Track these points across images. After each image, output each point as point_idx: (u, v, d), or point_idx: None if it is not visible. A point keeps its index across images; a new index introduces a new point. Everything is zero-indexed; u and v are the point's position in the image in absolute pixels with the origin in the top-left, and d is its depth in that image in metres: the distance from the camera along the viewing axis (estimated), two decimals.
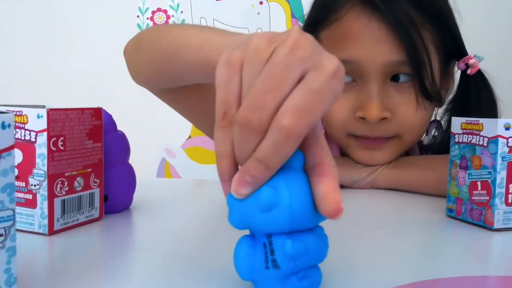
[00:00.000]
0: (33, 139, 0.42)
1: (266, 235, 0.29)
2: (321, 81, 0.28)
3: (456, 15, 0.75)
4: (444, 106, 0.78)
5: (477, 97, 0.74)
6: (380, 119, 0.69)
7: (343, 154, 0.81)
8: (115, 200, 0.51)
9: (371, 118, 0.69)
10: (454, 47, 0.74)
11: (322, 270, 0.38)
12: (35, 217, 0.42)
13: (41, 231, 0.42)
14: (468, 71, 0.74)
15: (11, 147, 0.28)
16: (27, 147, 0.42)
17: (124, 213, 0.52)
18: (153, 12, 1.48)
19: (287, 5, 1.48)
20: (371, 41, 0.68)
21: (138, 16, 1.48)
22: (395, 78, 0.70)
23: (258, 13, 1.48)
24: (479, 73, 0.75)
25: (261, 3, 1.48)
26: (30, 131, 0.42)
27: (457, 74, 0.78)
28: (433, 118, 0.80)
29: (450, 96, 0.78)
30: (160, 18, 1.49)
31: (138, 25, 1.49)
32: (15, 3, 1.49)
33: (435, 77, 0.70)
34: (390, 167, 0.72)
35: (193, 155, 1.51)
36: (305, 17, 0.78)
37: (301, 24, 1.46)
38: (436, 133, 0.80)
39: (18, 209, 0.42)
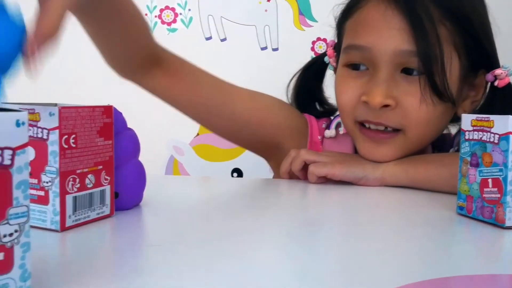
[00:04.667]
0: (45, 137, 0.42)
1: None
2: None
3: (494, 29, 0.74)
4: None
5: (500, 113, 0.73)
6: (382, 105, 0.69)
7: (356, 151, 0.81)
8: (125, 197, 0.51)
9: (373, 104, 0.69)
10: (480, 55, 0.72)
11: (333, 268, 0.38)
12: (47, 214, 0.43)
13: (53, 227, 0.43)
14: (496, 83, 0.73)
15: (25, 145, 0.28)
16: (40, 144, 0.42)
17: (134, 210, 0.52)
18: (161, 10, 1.49)
19: (295, 3, 1.48)
20: (384, 29, 0.69)
21: (146, 14, 1.49)
22: (407, 72, 0.70)
23: (266, 10, 1.48)
24: (509, 87, 0.74)
25: (268, 0, 1.47)
26: (42, 128, 0.42)
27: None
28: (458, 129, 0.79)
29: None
30: (168, 16, 1.49)
31: None
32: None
33: (448, 75, 0.68)
34: (400, 163, 0.71)
35: (201, 152, 1.51)
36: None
37: (309, 22, 1.46)
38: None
39: (31, 206, 0.43)
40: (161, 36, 1.48)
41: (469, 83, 0.74)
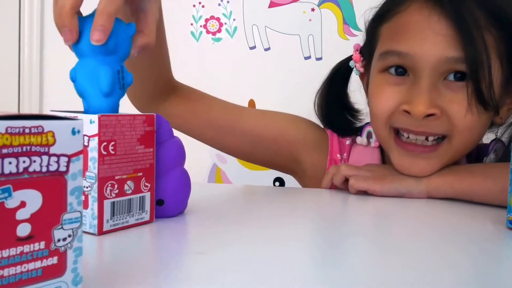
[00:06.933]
0: (86, 143, 0.43)
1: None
2: None
3: None
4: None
5: None
6: (425, 115, 0.66)
7: (384, 162, 0.79)
8: (170, 205, 0.51)
9: (416, 113, 0.66)
10: None
11: (379, 278, 0.37)
12: (86, 218, 0.43)
13: (91, 231, 0.43)
14: None
15: (80, 152, 0.28)
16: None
17: (177, 217, 0.52)
18: (206, 20, 1.51)
19: (339, 12, 1.47)
20: (429, 35, 0.66)
21: (191, 24, 1.51)
22: (450, 77, 0.67)
23: (310, 20, 1.48)
24: None
25: (313, 9, 1.47)
26: (83, 135, 0.43)
27: None
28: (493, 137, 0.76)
29: None
30: (213, 26, 1.51)
31: (192, 33, 1.51)
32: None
33: (494, 84, 0.66)
34: (443, 175, 0.69)
35: (244, 161, 1.52)
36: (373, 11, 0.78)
37: (353, 31, 1.45)
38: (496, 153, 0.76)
39: None
40: (206, 46, 1.51)
41: (506, 90, 0.71)
